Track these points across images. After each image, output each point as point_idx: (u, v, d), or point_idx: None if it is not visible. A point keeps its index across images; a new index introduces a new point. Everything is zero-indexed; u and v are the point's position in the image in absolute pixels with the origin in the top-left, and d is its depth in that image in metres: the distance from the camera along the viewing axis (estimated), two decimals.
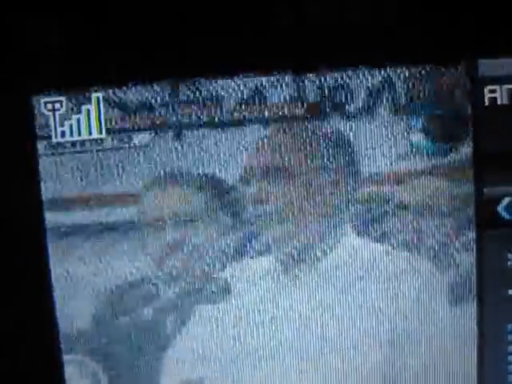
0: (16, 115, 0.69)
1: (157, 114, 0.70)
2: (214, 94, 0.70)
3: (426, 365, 0.75)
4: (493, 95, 0.71)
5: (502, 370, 0.75)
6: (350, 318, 0.73)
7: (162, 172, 0.71)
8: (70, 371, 0.72)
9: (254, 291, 0.72)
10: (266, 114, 0.70)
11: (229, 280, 0.72)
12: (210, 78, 0.70)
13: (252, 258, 0.71)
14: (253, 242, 0.71)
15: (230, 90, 0.70)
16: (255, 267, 0.72)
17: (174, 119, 0.70)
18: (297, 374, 0.73)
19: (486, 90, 0.71)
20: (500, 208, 0.72)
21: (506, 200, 0.72)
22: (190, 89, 0.70)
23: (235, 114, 0.70)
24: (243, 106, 0.70)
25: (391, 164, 0.72)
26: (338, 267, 0.72)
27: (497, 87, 0.71)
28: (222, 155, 0.70)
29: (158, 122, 0.70)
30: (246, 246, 0.71)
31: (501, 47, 0.70)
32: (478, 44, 0.70)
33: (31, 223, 0.70)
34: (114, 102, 0.70)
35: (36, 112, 0.70)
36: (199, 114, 0.70)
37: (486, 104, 0.71)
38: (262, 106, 0.70)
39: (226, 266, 0.71)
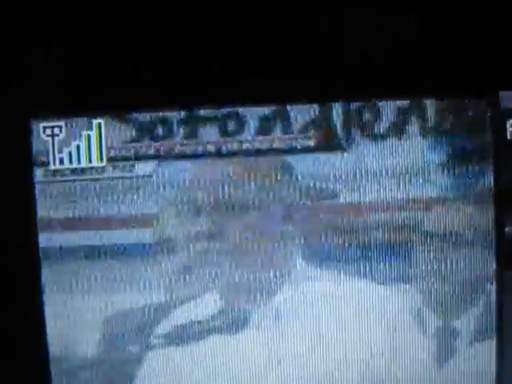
0: (14, 139, 0.66)
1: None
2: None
3: None
4: None
5: None
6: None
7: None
8: None
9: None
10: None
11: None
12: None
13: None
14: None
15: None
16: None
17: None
18: None
19: (508, 124, 0.68)
20: None
21: None
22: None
23: None
24: None
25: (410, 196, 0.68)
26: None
27: None
28: None
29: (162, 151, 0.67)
30: None
31: None
32: (501, 77, 0.67)
33: (25, 248, 0.66)
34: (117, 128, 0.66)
35: (34, 137, 0.66)
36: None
37: (509, 137, 0.68)
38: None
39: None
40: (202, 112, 0.66)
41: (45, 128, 0.67)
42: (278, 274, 0.68)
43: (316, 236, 0.68)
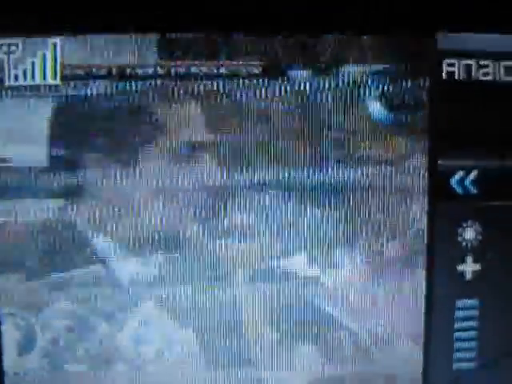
0: None
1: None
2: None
3: (373, 338, 0.74)
4: (451, 69, 0.72)
5: (449, 345, 0.74)
6: None
7: None
8: None
9: None
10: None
11: None
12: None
13: None
14: None
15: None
16: None
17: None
18: None
19: (444, 64, 0.72)
20: (453, 182, 0.73)
21: (459, 174, 0.73)
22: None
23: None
24: None
25: (347, 130, 0.72)
26: None
27: (455, 61, 0.72)
28: None
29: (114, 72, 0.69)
30: None
31: (461, 21, 0.71)
32: (439, 18, 0.71)
33: None
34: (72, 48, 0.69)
35: None
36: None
37: (444, 78, 0.72)
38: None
39: None
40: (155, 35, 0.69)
41: (1, 45, 0.68)
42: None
43: None
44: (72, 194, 0.70)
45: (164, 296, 0.72)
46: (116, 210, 0.70)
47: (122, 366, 0.72)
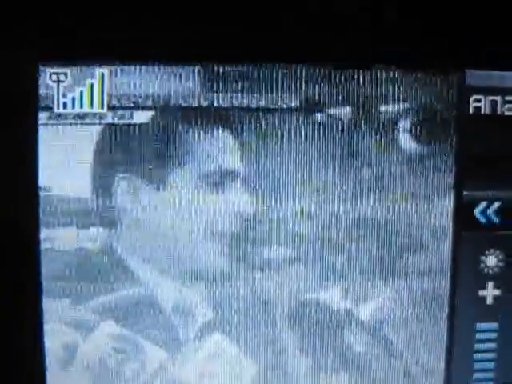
0: (22, 83, 0.70)
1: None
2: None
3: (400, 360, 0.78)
4: (477, 104, 0.76)
5: (468, 367, 0.78)
6: None
7: None
8: None
9: None
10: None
11: None
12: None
13: None
14: None
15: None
16: None
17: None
18: None
19: (471, 100, 0.76)
20: (476, 212, 0.76)
21: (483, 204, 0.76)
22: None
23: None
24: None
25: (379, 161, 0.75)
26: None
27: (481, 97, 0.75)
28: None
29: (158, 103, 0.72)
30: None
31: (488, 60, 0.74)
32: (468, 55, 0.74)
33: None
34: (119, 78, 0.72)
35: (41, 82, 0.71)
36: None
37: (471, 112, 0.76)
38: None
39: None
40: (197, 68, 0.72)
41: (51, 74, 0.71)
42: None
43: None
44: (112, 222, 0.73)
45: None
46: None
47: None
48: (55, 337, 0.72)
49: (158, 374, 0.75)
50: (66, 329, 0.72)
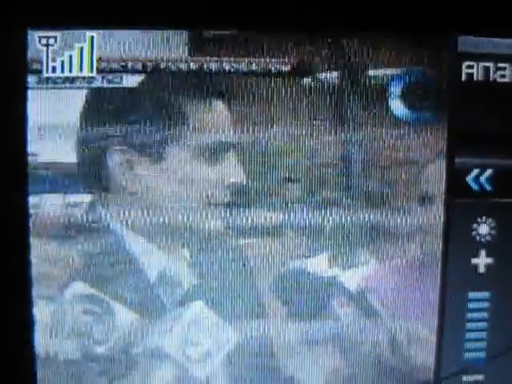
0: (10, 47, 0.70)
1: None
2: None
3: (388, 328, 0.77)
4: (470, 71, 0.75)
5: (460, 336, 0.77)
6: None
7: None
8: None
9: None
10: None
11: None
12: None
13: None
14: None
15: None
16: None
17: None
18: None
19: (463, 66, 0.75)
20: (469, 179, 0.76)
21: (475, 172, 0.76)
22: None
23: None
24: None
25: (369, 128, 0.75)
26: None
27: (474, 64, 0.75)
28: None
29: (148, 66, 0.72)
30: None
31: (481, 25, 0.74)
32: (460, 20, 0.74)
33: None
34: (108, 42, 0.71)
35: (30, 45, 0.70)
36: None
37: (463, 79, 0.75)
38: None
39: None
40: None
41: (40, 38, 0.71)
42: None
43: None
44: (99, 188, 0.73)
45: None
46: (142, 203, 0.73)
47: None
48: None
49: (140, 341, 0.74)
50: None
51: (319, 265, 0.75)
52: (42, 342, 0.72)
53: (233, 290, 0.74)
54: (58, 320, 0.73)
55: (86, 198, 0.73)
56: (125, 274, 0.73)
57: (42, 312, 0.72)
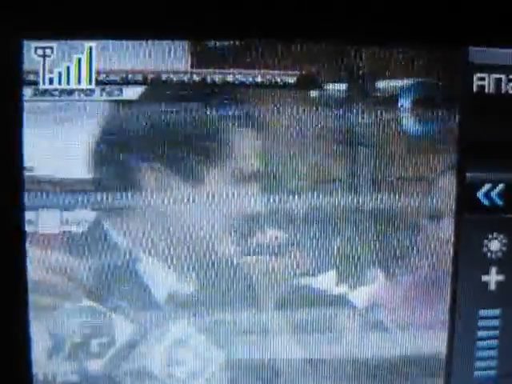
0: (5, 58, 0.67)
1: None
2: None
3: (397, 346, 0.75)
4: (481, 83, 0.73)
5: (471, 354, 0.75)
6: None
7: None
8: None
9: None
10: None
11: None
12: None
13: None
14: None
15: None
16: None
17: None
18: None
19: (475, 78, 0.73)
20: (480, 194, 0.74)
21: (486, 186, 0.74)
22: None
23: None
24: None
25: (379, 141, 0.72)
26: None
27: (485, 75, 0.73)
28: None
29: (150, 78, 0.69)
30: None
31: (492, 37, 0.72)
32: (471, 31, 0.72)
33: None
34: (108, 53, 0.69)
35: (26, 56, 0.68)
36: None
37: (475, 91, 0.73)
38: None
39: None
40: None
41: (37, 48, 0.68)
42: None
43: None
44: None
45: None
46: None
47: None
48: None
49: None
50: None
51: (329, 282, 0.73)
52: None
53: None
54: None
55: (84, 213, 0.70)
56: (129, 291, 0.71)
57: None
